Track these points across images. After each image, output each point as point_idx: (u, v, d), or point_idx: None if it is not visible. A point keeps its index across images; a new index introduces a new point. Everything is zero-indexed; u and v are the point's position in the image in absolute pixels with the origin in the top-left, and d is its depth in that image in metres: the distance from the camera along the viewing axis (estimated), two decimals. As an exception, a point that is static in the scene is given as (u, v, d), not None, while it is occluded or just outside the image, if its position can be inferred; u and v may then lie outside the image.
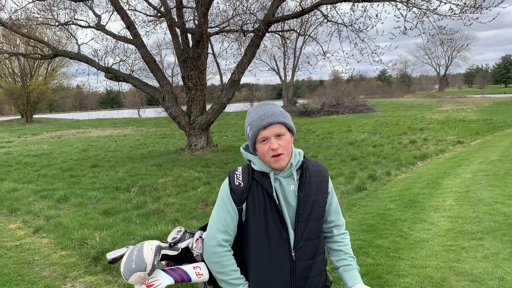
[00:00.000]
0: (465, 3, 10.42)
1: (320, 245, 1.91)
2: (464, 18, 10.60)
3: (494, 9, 10.46)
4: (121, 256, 1.74)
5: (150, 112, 48.28)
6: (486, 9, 10.34)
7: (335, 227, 1.98)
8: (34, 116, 43.68)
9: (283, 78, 52.29)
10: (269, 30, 13.79)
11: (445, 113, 29.75)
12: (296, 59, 48.40)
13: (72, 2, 14.07)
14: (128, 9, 13.86)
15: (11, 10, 18.84)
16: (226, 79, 14.36)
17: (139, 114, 48.65)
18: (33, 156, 14.67)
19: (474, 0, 10.29)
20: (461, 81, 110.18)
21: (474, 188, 7.17)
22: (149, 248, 1.69)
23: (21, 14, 14.04)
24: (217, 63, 15.21)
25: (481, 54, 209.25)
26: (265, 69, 52.14)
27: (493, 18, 10.38)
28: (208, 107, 14.23)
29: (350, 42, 12.53)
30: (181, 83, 16.00)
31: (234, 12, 13.37)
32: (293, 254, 1.81)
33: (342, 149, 13.98)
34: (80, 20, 14.90)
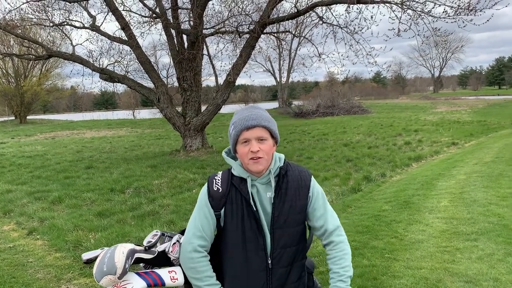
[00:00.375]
0: (459, 5, 10.49)
1: (299, 251, 1.87)
2: (458, 20, 10.67)
3: (488, 11, 10.54)
4: (96, 258, 1.74)
5: (145, 113, 48.14)
6: (480, 11, 10.41)
7: (325, 234, 1.89)
8: (28, 117, 43.44)
9: (278, 79, 52.37)
10: (264, 31, 13.80)
11: (439, 114, 29.89)
12: (291, 60, 48.50)
13: (67, 3, 14.01)
14: (123, 10, 13.84)
15: (4, 11, 18.74)
16: (221, 80, 14.35)
17: (133, 115, 48.48)
18: (27, 157, 14.58)
19: (468, 2, 10.36)
20: (455, 83, 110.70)
21: (468, 190, 7.20)
22: (120, 252, 1.69)
23: (15, 14, 13.99)
24: (212, 64, 15.20)
25: (475, 56, 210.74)
26: (260, 71, 52.22)
27: (487, 20, 10.44)
28: (203, 108, 14.22)
29: (345, 43, 12.58)
30: (176, 84, 15.97)
31: (230, 14, 13.37)
32: (269, 262, 1.79)
33: (337, 150, 14.00)
34: (75, 21, 14.87)
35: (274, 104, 54.92)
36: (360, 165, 11.01)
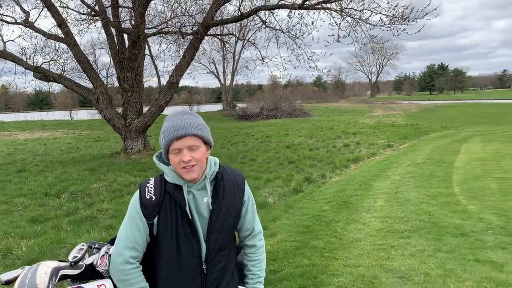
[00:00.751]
0: (394, 15, 11.06)
1: (232, 253, 1.89)
2: (393, 28, 11.25)
3: (420, 21, 11.20)
4: (16, 278, 1.62)
5: (83, 114, 46.21)
6: (413, 21, 11.04)
7: (249, 237, 1.95)
8: (-49, 117, 40.17)
9: (222, 81, 52.33)
10: (208, 33, 13.74)
11: (376, 118, 31.27)
12: (235, 63, 48.70)
13: (-4, -4, 13.15)
14: (60, 6, 13.20)
15: None
16: (164, 81, 14.10)
17: (71, 116, 46.42)
18: (-51, 160, 13.48)
19: (402, 12, 10.96)
20: (390, 88, 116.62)
21: (402, 189, 7.60)
22: (43, 272, 1.59)
23: None
24: (155, 65, 14.91)
25: (409, 63, 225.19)
26: (205, 72, 51.95)
27: (419, 30, 11.10)
28: (145, 109, 13.90)
29: (287, 48, 12.83)
30: (116, 84, 15.48)
31: (172, 14, 13.18)
32: (204, 267, 1.78)
33: (279, 152, 14.24)
34: (6, 15, 13.97)
35: (219, 106, 54.83)
36: (301, 167, 11.27)
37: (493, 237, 4.78)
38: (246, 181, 1.93)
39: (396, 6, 11.01)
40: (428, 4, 10.90)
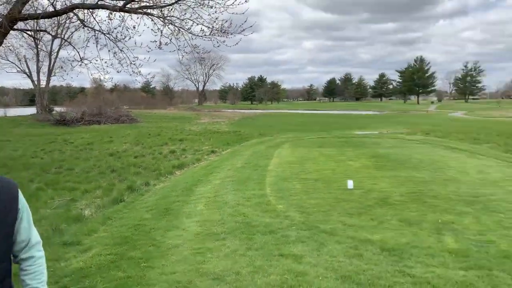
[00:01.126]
0: (213, 27, 11.58)
1: (8, 267, 1.77)
2: (213, 40, 11.77)
3: (239, 35, 11.98)
4: None
5: None
6: (231, 34, 11.74)
7: (26, 249, 1.83)
8: None
9: (36, 82, 46.93)
10: (15, 27, 12.18)
11: (202, 125, 32.27)
12: (52, 62, 44.30)
13: None
14: None
15: None
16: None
17: None
18: None
19: (221, 25, 11.55)
20: (217, 97, 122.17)
21: (221, 193, 7.97)
22: None
23: None
24: None
25: (233, 73, 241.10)
26: (14, 71, 45.72)
27: (236, 43, 11.90)
28: None
29: (109, 51, 12.22)
30: None
31: (-33, 1, 11.29)
32: None
33: (102, 160, 13.49)
34: None
35: (32, 110, 49.07)
36: (125, 175, 10.90)
37: (295, 232, 5.37)
38: (19, 190, 1.80)
39: (217, 19, 11.55)
40: (245, 21, 11.74)
